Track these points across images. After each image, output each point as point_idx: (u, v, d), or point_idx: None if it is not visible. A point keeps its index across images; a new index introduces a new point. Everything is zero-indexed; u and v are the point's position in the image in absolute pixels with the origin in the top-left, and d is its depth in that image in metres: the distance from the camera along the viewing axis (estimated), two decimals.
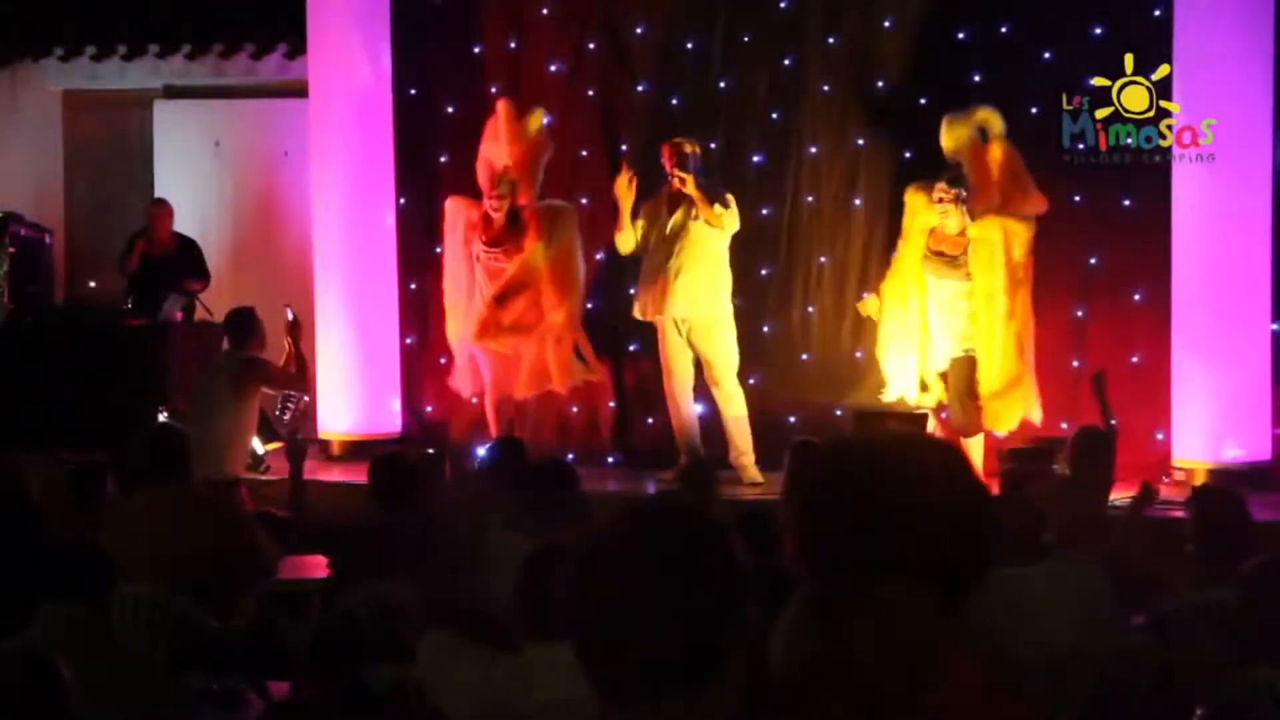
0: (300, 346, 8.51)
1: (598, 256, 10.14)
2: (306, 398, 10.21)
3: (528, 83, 10.21)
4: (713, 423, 9.20)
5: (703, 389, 9.17)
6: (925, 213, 8.77)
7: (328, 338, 10.05)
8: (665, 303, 8.93)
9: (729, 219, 8.82)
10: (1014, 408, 8.72)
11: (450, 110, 10.35)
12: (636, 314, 9.12)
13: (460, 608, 4.53)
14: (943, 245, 8.73)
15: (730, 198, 8.90)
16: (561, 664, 3.77)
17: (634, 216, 8.99)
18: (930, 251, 8.77)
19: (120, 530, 5.59)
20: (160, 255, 10.56)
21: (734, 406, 9.02)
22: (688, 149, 8.90)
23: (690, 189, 8.76)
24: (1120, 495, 7.39)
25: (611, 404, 10.06)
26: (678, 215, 8.89)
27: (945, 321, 8.78)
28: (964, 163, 8.70)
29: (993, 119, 8.72)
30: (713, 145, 9.44)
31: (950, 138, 8.70)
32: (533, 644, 3.83)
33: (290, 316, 8.58)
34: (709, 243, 8.88)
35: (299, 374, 8.54)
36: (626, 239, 9.02)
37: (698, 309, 8.93)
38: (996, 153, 8.67)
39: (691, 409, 9.12)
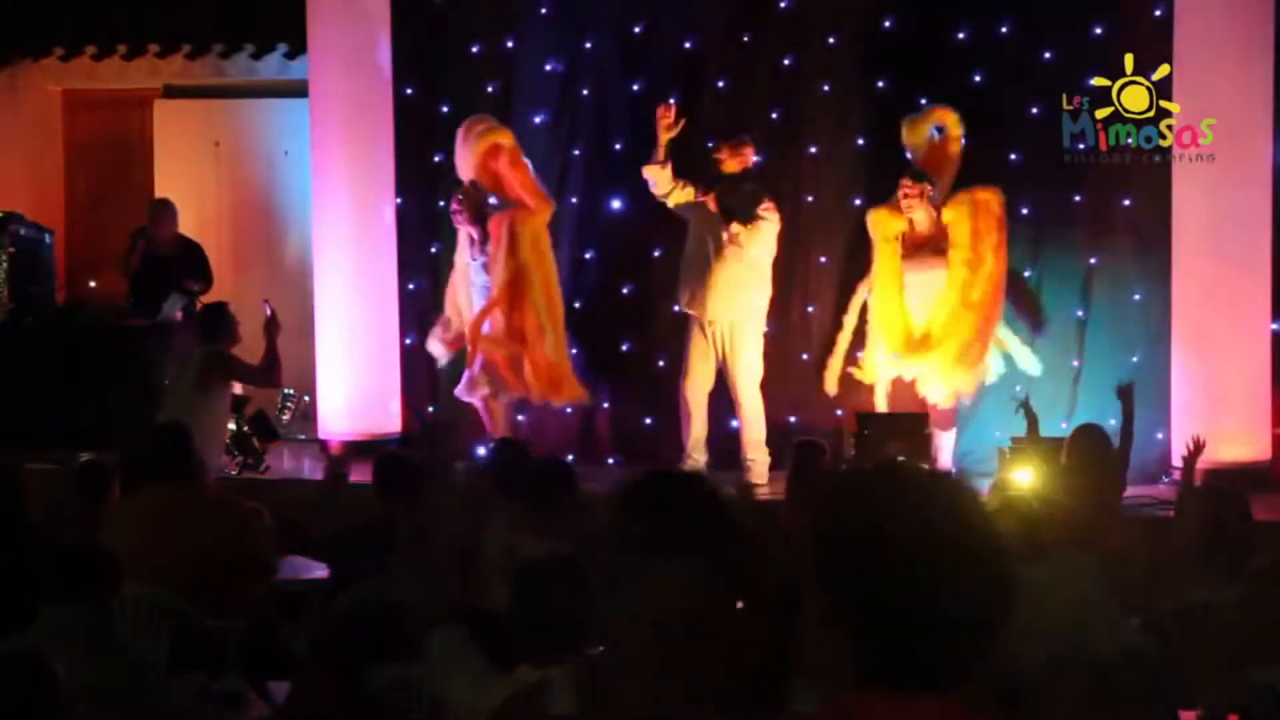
0: (276, 344, 8.50)
1: (586, 256, 10.15)
2: (307, 397, 10.22)
3: (525, 82, 10.21)
4: (721, 422, 9.21)
5: (717, 391, 9.16)
6: (889, 222, 8.91)
7: (328, 338, 10.05)
8: (698, 301, 8.95)
9: (749, 238, 8.78)
10: (958, 378, 8.82)
11: (448, 110, 10.35)
12: (679, 305, 9.12)
13: (463, 607, 4.52)
14: (922, 240, 8.87)
15: (764, 213, 8.84)
16: (553, 687, 3.75)
17: (678, 173, 8.99)
18: (911, 249, 8.88)
19: (121, 530, 5.60)
20: (162, 255, 10.55)
21: (747, 414, 9.01)
22: (723, 156, 8.92)
23: (712, 206, 8.79)
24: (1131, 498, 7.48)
25: (609, 404, 10.06)
26: (717, 216, 8.90)
27: (928, 313, 8.88)
28: (920, 158, 8.90)
29: (950, 119, 8.85)
30: (711, 145, 9.44)
31: (910, 136, 8.88)
32: (525, 667, 3.78)
33: (268, 313, 8.57)
34: (745, 248, 8.87)
35: (267, 370, 8.50)
36: (660, 174, 9.01)
37: (726, 312, 8.92)
38: (952, 150, 8.83)
39: (703, 414, 9.09)
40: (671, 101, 9.09)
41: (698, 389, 9.06)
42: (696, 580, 1.94)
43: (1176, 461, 8.88)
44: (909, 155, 9.06)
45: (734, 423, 9.25)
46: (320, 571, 6.36)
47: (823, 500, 1.91)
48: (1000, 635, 1.83)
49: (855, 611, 1.81)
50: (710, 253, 8.92)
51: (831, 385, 9.21)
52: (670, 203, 9.11)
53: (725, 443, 9.20)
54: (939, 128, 8.95)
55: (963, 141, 8.94)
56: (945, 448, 8.99)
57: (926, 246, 8.90)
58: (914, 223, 8.88)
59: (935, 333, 8.84)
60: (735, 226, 8.75)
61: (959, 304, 8.76)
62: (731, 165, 8.95)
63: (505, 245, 9.14)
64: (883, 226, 8.95)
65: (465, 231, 9.40)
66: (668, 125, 8.97)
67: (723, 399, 9.16)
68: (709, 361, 9.05)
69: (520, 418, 10.00)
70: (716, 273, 8.89)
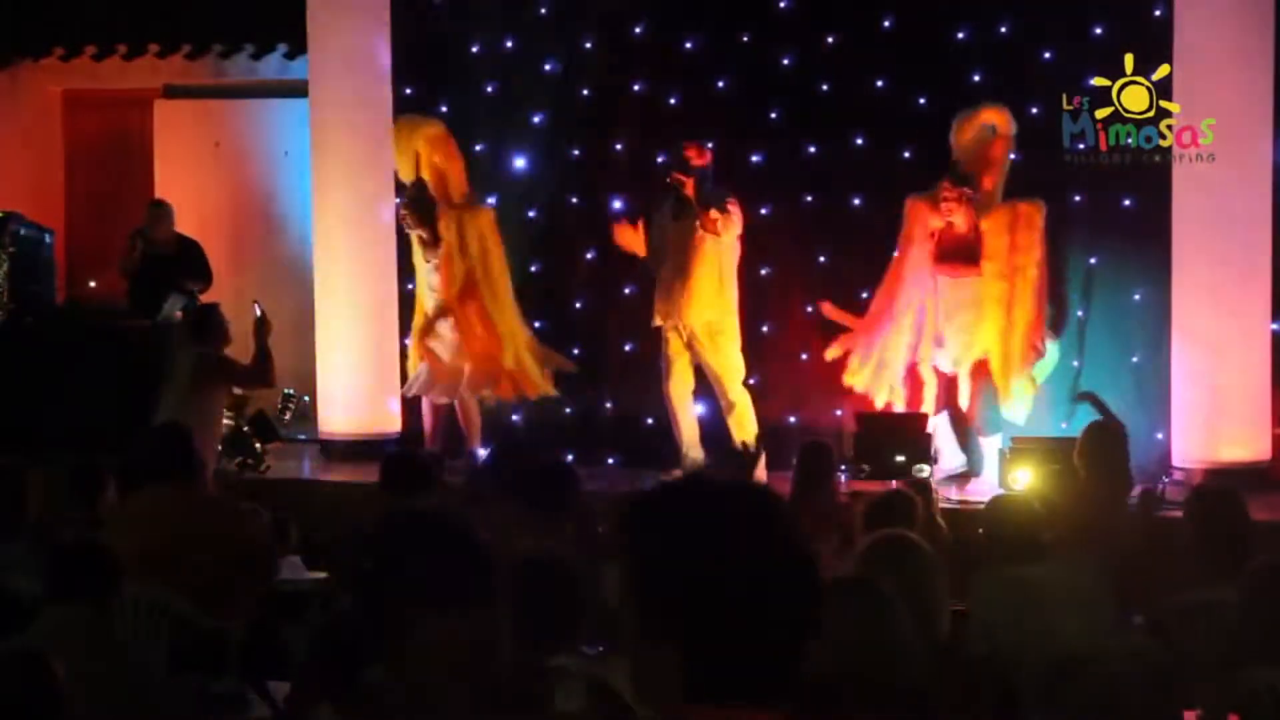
0: (267, 343, 8.51)
1: (588, 256, 10.15)
2: (306, 397, 10.22)
3: (524, 82, 10.21)
4: (716, 423, 9.20)
5: (705, 391, 9.17)
6: (927, 217, 8.86)
7: (328, 338, 10.05)
8: (672, 309, 8.94)
9: (724, 223, 8.80)
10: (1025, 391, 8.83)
11: (447, 110, 10.35)
12: (656, 320, 9.11)
13: None
14: (956, 244, 8.81)
15: (732, 206, 8.88)
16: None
17: (647, 225, 9.11)
18: (943, 253, 8.83)
19: (121, 530, 5.59)
20: (161, 255, 10.54)
21: (737, 412, 9.01)
22: (691, 154, 8.91)
23: (688, 191, 8.77)
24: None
25: (610, 404, 10.06)
26: (683, 222, 8.89)
27: (958, 322, 8.85)
28: (969, 160, 8.83)
29: (1000, 118, 8.80)
30: (711, 145, 9.44)
31: (959, 135, 8.84)
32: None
33: (257, 313, 8.59)
34: (713, 250, 8.86)
35: (261, 370, 8.52)
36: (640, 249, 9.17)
37: (700, 316, 8.93)
38: (998, 149, 8.77)
39: (691, 412, 9.12)
40: (624, 220, 9.20)
41: (680, 390, 9.09)
42: (461, 635, 1.91)
43: (1177, 461, 8.90)
44: (956, 156, 8.98)
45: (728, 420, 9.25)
46: (320, 572, 6.36)
47: (629, 517, 1.87)
48: (811, 643, 1.81)
49: (676, 627, 1.79)
50: (677, 262, 8.93)
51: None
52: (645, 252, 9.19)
53: (722, 440, 9.18)
54: (991, 127, 8.90)
55: (1013, 140, 8.86)
56: (992, 454, 8.94)
57: (960, 252, 8.85)
58: (953, 225, 8.85)
59: (991, 351, 8.81)
60: (714, 213, 8.75)
61: (1005, 321, 8.75)
62: (699, 164, 8.97)
63: (455, 246, 9.16)
64: (920, 220, 8.92)
65: (415, 235, 9.39)
66: (635, 233, 9.09)
67: (714, 397, 9.16)
68: (686, 363, 9.07)
69: (515, 417, 10.02)
70: (685, 279, 8.90)
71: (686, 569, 1.78)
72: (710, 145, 9.09)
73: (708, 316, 8.95)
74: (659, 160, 9.62)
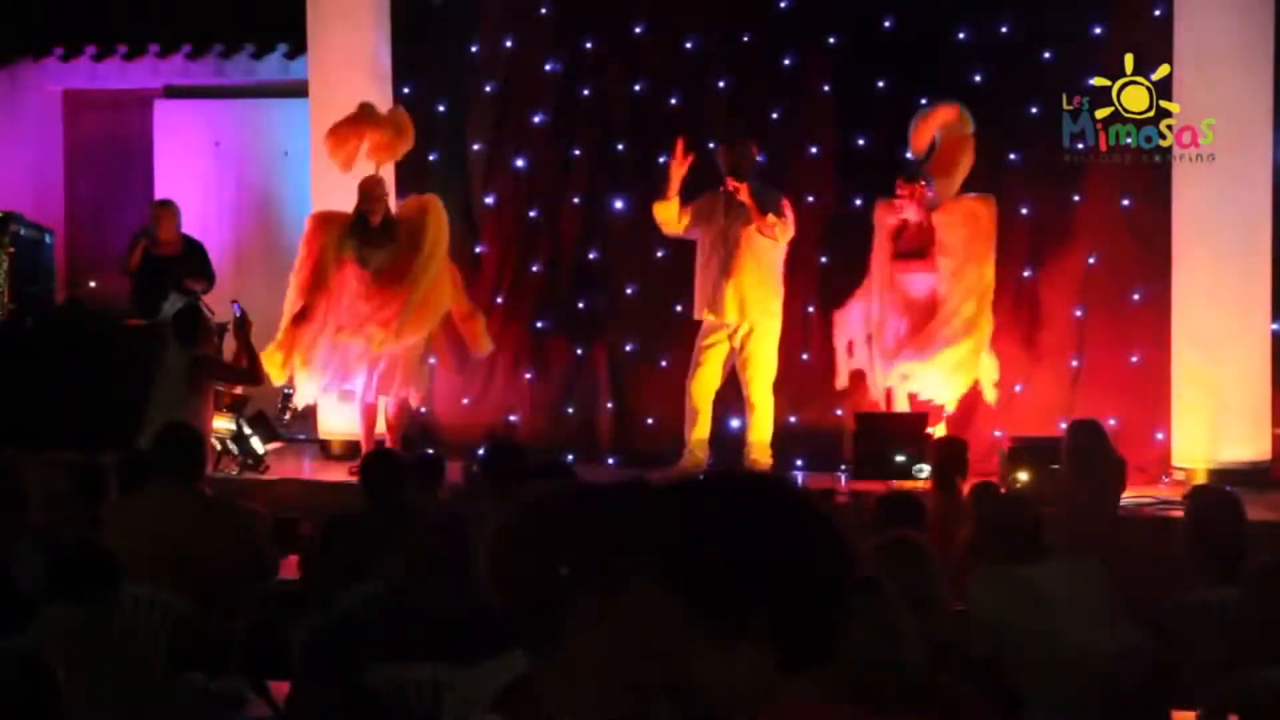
0: (250, 343, 8.52)
1: (589, 256, 10.15)
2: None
3: (524, 82, 10.21)
4: (722, 426, 9.18)
5: (719, 394, 9.09)
6: (886, 216, 8.93)
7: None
8: (721, 305, 8.85)
9: (782, 229, 8.75)
10: (964, 380, 8.82)
11: (446, 109, 10.35)
12: (696, 314, 9.00)
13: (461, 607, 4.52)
14: (910, 241, 8.84)
15: (786, 203, 8.83)
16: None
17: (683, 201, 8.87)
18: (902, 249, 8.87)
19: (121, 530, 5.60)
20: (164, 255, 10.54)
21: (758, 413, 8.95)
22: (742, 153, 8.83)
23: (744, 197, 8.70)
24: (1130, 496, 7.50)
25: (610, 404, 10.05)
26: (733, 221, 8.82)
27: (915, 316, 8.85)
28: (927, 159, 8.85)
29: (951, 116, 8.79)
30: (711, 145, 9.44)
31: (913, 139, 8.87)
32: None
33: (237, 314, 8.60)
34: (762, 247, 8.80)
35: (249, 369, 8.55)
36: (667, 212, 8.90)
37: (749, 314, 8.85)
38: (953, 149, 8.77)
39: (708, 412, 9.00)
40: (682, 138, 8.92)
41: (703, 390, 8.98)
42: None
43: (1177, 461, 8.90)
44: (910, 155, 9.02)
45: (734, 422, 9.23)
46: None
47: (692, 517, 1.92)
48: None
49: (761, 614, 1.86)
50: (728, 257, 8.81)
51: (842, 380, 9.15)
52: (682, 232, 9.01)
53: (728, 442, 9.17)
54: (946, 127, 8.88)
55: (971, 136, 8.83)
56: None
57: (914, 250, 8.87)
58: (908, 223, 8.86)
59: (932, 342, 8.79)
60: (771, 218, 8.71)
61: (953, 317, 8.73)
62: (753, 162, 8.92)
63: (414, 234, 9.07)
64: (882, 220, 8.95)
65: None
66: (679, 161, 8.83)
67: (727, 399, 9.12)
68: (719, 365, 8.97)
69: (513, 418, 10.01)
70: (739, 276, 8.78)
71: (756, 557, 1.86)
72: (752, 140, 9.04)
73: (754, 316, 8.87)
74: (659, 160, 9.62)
